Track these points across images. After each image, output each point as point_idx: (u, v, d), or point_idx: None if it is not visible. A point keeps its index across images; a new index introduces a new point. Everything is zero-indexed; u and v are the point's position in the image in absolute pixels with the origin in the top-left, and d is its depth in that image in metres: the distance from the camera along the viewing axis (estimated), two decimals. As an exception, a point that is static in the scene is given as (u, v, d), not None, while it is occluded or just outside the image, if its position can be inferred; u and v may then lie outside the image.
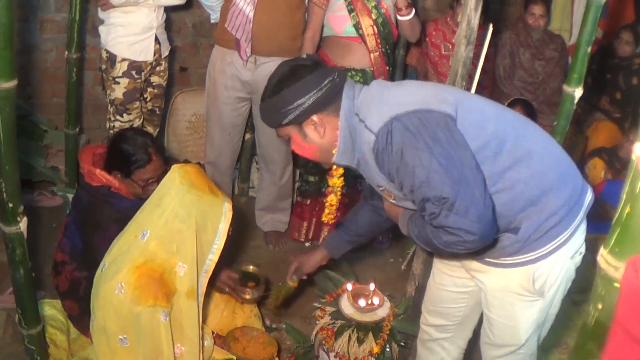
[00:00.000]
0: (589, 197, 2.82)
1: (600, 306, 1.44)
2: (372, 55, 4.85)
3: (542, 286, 2.81)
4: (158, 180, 3.57)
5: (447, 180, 2.40)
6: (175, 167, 3.07)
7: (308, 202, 5.41)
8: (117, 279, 2.92)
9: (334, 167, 2.89)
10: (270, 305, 3.88)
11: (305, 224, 5.49)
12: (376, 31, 4.83)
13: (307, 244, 5.53)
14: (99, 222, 3.60)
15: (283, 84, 2.71)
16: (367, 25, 4.80)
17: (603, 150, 6.44)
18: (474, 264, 2.97)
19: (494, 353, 3.15)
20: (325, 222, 3.20)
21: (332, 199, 3.03)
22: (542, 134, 2.81)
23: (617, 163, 6.02)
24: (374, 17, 4.79)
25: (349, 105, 2.71)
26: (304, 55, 4.93)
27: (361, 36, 4.83)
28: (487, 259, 2.88)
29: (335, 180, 2.96)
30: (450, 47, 5.62)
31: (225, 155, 5.35)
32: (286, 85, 2.69)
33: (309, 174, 5.30)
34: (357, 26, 4.79)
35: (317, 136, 2.76)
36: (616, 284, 1.37)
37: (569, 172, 2.78)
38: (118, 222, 3.25)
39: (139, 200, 3.49)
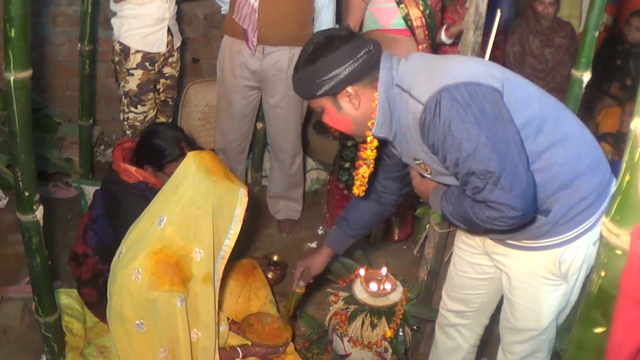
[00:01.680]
0: (614, 186, 2.83)
1: (603, 273, 1.45)
2: (420, 47, 4.74)
3: (567, 270, 2.82)
4: None
5: (494, 154, 2.38)
6: (190, 154, 3.08)
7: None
8: (134, 265, 2.94)
9: (369, 139, 2.81)
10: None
11: None
12: (424, 22, 4.74)
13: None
14: (133, 217, 3.62)
15: (318, 53, 2.64)
16: (416, 17, 4.70)
17: (608, 135, 6.45)
18: (498, 248, 2.98)
19: (515, 338, 3.15)
20: (357, 194, 3.15)
21: (364, 171, 2.94)
22: (578, 120, 2.81)
23: (623, 144, 6.02)
24: (421, 8, 4.69)
25: (387, 77, 2.66)
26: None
27: (410, 28, 4.74)
28: (512, 242, 2.88)
29: (369, 153, 2.87)
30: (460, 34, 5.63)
31: (235, 143, 5.40)
32: (322, 55, 2.63)
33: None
34: (406, 18, 4.69)
35: (352, 108, 2.70)
36: (618, 251, 1.39)
37: (601, 159, 2.77)
38: None
39: None
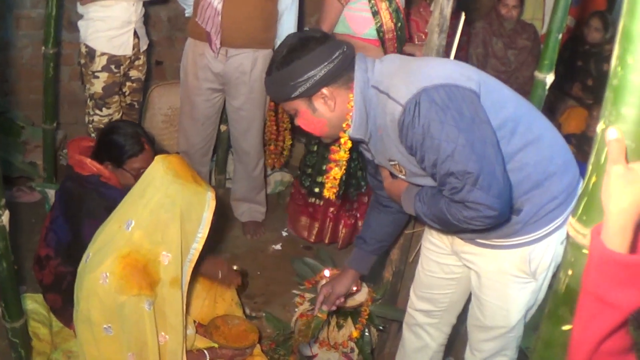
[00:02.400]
0: (581, 186, 2.87)
1: (570, 272, 1.50)
2: None
3: (536, 268, 2.87)
4: None
5: (472, 155, 2.39)
6: (158, 158, 3.07)
7: (321, 202, 5.30)
8: (101, 269, 2.92)
9: (343, 140, 2.80)
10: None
11: (317, 225, 5.39)
12: (395, 35, 4.78)
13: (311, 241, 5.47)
14: (90, 211, 3.64)
15: (293, 55, 2.63)
16: (389, 29, 4.73)
17: (572, 136, 6.53)
18: (467, 247, 3.02)
19: (483, 336, 3.19)
20: (328, 196, 3.13)
21: (336, 173, 2.91)
22: (549, 122, 2.85)
23: (587, 146, 6.09)
24: (394, 20, 4.72)
25: (363, 78, 2.66)
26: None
27: (382, 40, 4.77)
28: (482, 241, 2.92)
29: (343, 154, 2.86)
30: (423, 37, 5.63)
31: (198, 146, 5.40)
32: (297, 56, 2.62)
33: (320, 174, 5.14)
34: (379, 29, 4.72)
35: (327, 110, 2.70)
36: (584, 251, 1.43)
37: (571, 160, 2.83)
38: (108, 210, 3.27)
39: (128, 190, 3.54)
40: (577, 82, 7.30)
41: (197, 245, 3.06)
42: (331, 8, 4.73)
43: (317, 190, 5.20)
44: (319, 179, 5.10)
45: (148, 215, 2.95)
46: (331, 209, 5.32)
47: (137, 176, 3.62)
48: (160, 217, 2.94)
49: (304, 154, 5.27)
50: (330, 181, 2.98)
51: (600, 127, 1.35)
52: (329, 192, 3.03)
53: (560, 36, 3.33)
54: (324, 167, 4.96)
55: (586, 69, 7.24)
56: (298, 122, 2.83)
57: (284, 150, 5.54)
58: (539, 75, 3.46)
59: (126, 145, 3.73)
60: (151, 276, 2.98)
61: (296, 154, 6.48)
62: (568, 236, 1.49)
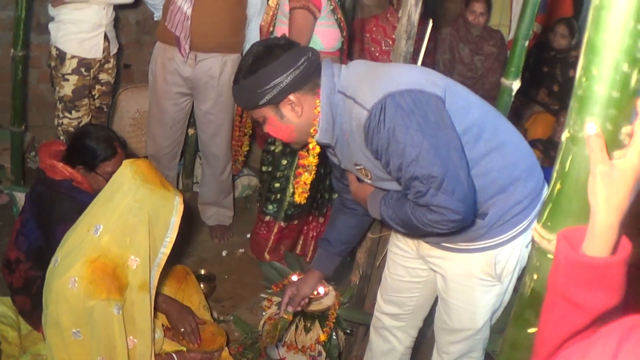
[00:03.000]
0: (546, 191, 2.91)
1: (535, 276, 1.53)
2: None
3: (502, 271, 2.90)
4: None
5: (437, 159, 2.42)
6: (127, 162, 3.08)
7: (296, 222, 5.14)
8: (70, 274, 2.93)
9: (311, 145, 2.83)
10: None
11: (288, 243, 5.24)
12: (347, 45, 4.80)
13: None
14: (62, 215, 3.62)
15: (259, 63, 2.65)
16: (345, 39, 4.73)
17: (538, 142, 6.61)
18: (434, 251, 3.03)
19: (450, 338, 3.21)
20: (299, 201, 3.15)
21: (306, 178, 2.93)
22: (513, 128, 2.89)
23: (553, 151, 6.14)
24: (346, 29, 4.71)
25: (329, 83, 2.69)
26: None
27: (341, 50, 4.75)
28: (448, 245, 2.94)
29: (312, 160, 2.89)
30: (390, 42, 5.66)
31: (166, 149, 5.39)
32: (262, 64, 2.64)
33: (272, 192, 4.97)
34: (342, 41, 4.71)
35: (294, 116, 2.72)
36: (549, 255, 1.46)
37: (535, 165, 2.86)
38: (80, 214, 3.26)
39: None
40: (543, 88, 7.36)
41: (165, 250, 3.07)
42: (305, 22, 4.51)
43: (292, 212, 5.03)
44: (272, 197, 4.98)
45: (116, 219, 2.96)
46: (305, 228, 5.26)
47: (109, 180, 3.65)
48: (128, 221, 2.95)
49: (262, 182, 5.15)
50: (301, 186, 3.00)
51: (565, 135, 1.39)
52: (300, 197, 3.05)
53: (526, 43, 3.37)
54: (276, 185, 4.91)
55: (552, 74, 7.30)
56: (267, 129, 2.84)
57: (240, 156, 5.54)
58: (505, 81, 3.50)
59: (99, 150, 3.72)
60: (120, 280, 2.99)
61: (259, 158, 6.51)
62: (533, 241, 1.52)
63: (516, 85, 3.49)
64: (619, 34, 1.23)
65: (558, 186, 1.43)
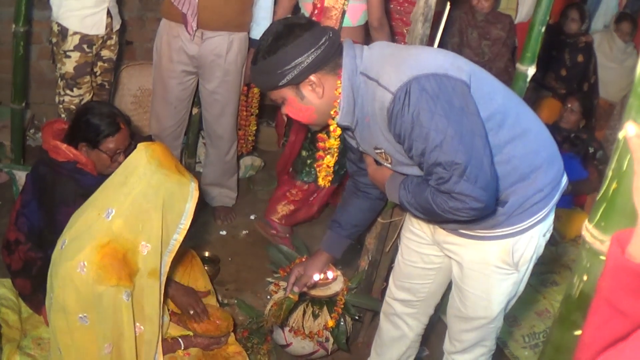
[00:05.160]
0: (564, 180, 2.90)
1: (585, 278, 1.48)
2: None
3: (519, 260, 2.88)
4: (125, 152, 3.62)
5: (461, 146, 2.39)
6: (141, 146, 3.00)
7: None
8: (79, 258, 2.86)
9: (332, 127, 2.79)
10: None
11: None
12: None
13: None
14: (64, 198, 3.58)
15: (279, 42, 2.60)
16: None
17: (545, 126, 6.58)
18: (450, 237, 3.00)
19: (464, 326, 3.19)
20: (322, 185, 3.13)
21: (329, 161, 2.93)
22: (535, 115, 2.86)
23: (559, 137, 6.11)
24: None
25: (351, 64, 2.64)
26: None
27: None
28: (465, 232, 2.91)
29: (333, 142, 2.88)
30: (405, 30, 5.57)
31: (170, 129, 5.32)
32: (283, 44, 2.59)
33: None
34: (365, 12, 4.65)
35: (315, 97, 2.68)
36: (602, 257, 1.42)
37: (556, 154, 2.84)
38: (83, 198, 3.22)
39: (103, 177, 3.48)
40: (550, 72, 7.34)
41: (178, 237, 3.02)
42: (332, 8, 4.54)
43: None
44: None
45: (130, 204, 2.90)
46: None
47: (112, 157, 3.63)
48: (142, 206, 2.89)
49: (300, 153, 5.12)
50: (324, 169, 2.98)
51: (622, 133, 1.33)
52: (324, 181, 3.03)
53: (543, 29, 3.32)
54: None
55: (561, 59, 7.27)
56: (285, 110, 2.79)
57: (249, 136, 5.50)
58: (520, 67, 3.47)
59: (102, 125, 3.66)
60: (130, 266, 2.93)
61: (263, 138, 6.46)
62: (585, 242, 1.47)
63: (532, 71, 3.46)
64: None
65: (614, 185, 1.37)
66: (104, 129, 3.66)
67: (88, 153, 3.68)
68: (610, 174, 1.38)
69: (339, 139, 2.88)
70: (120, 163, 3.37)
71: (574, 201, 6.13)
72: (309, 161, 4.95)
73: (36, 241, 3.72)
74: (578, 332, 1.53)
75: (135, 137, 3.80)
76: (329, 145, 2.90)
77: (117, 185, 2.98)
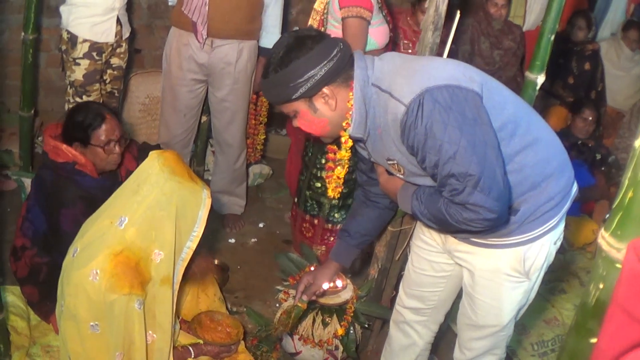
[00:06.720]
0: (575, 188, 2.90)
1: (601, 286, 1.49)
2: None
3: (530, 268, 2.88)
4: (119, 143, 3.68)
5: (474, 157, 2.39)
6: (154, 154, 3.01)
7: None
8: (92, 266, 2.86)
9: (344, 139, 2.80)
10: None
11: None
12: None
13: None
14: (64, 200, 3.62)
15: (291, 55, 2.59)
16: (392, 31, 4.67)
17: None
18: (462, 246, 3.01)
19: (474, 334, 3.19)
20: (332, 196, 3.14)
21: (339, 172, 2.94)
22: (545, 124, 2.87)
23: (565, 143, 6.12)
24: (392, 21, 4.65)
25: (362, 76, 2.64)
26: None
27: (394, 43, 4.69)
28: (477, 240, 2.91)
29: (344, 153, 2.89)
30: (410, 45, 5.57)
31: (179, 137, 5.33)
32: (295, 57, 2.58)
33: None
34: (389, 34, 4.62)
35: (328, 109, 2.68)
36: (618, 265, 1.42)
37: (567, 162, 2.85)
38: (83, 199, 3.25)
39: (103, 179, 3.51)
40: (558, 80, 7.34)
41: (192, 244, 3.02)
42: (362, 32, 4.36)
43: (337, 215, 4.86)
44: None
45: (143, 212, 2.89)
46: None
47: (106, 149, 3.67)
48: (155, 214, 2.89)
49: (304, 179, 4.88)
50: (334, 180, 2.99)
51: (638, 142, 1.34)
52: (334, 192, 3.03)
53: (552, 37, 3.32)
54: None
55: (567, 67, 7.29)
56: (298, 123, 2.79)
57: (258, 144, 5.51)
58: (530, 75, 3.46)
59: (87, 120, 3.69)
60: (143, 275, 2.93)
61: (272, 146, 6.47)
62: (601, 250, 1.47)
63: (541, 79, 3.44)
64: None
65: (630, 194, 1.38)
66: (89, 122, 3.69)
67: (84, 153, 3.69)
68: (626, 182, 1.39)
69: (349, 151, 2.89)
70: (117, 154, 3.43)
71: (582, 209, 6.12)
72: (308, 192, 4.89)
73: (41, 245, 3.73)
74: (594, 340, 1.53)
75: (146, 148, 3.81)
76: (339, 157, 2.91)
77: (129, 193, 2.98)
